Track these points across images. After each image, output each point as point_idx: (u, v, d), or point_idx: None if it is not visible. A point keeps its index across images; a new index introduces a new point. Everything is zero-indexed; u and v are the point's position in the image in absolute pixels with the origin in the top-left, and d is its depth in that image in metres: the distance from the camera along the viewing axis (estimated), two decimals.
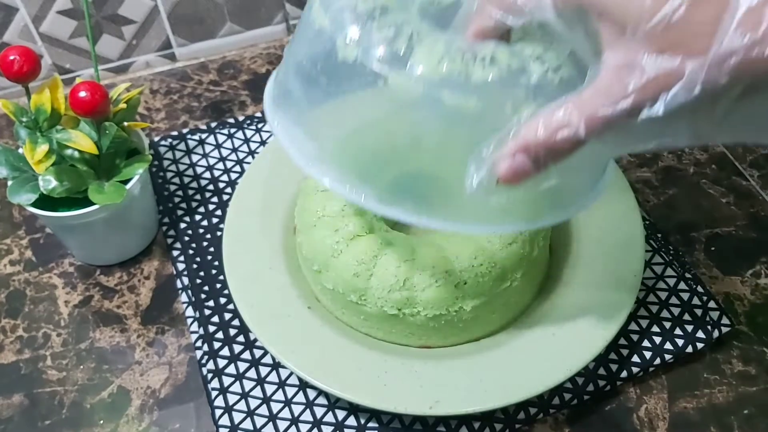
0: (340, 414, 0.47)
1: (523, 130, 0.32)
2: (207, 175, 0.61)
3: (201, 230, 0.57)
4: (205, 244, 0.56)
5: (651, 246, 0.54)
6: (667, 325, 0.50)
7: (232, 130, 0.64)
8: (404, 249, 0.46)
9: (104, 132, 0.48)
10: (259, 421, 0.47)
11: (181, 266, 0.55)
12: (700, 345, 0.49)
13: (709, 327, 0.49)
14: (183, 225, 0.57)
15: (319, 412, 0.47)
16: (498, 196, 0.34)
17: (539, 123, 0.31)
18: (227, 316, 0.51)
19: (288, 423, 0.47)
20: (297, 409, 0.47)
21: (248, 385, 0.48)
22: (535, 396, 0.45)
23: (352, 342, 0.47)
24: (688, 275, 0.52)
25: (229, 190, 0.59)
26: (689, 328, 0.49)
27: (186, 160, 0.62)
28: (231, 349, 0.50)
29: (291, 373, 0.49)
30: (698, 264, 0.55)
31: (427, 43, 0.33)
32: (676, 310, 0.50)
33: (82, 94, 0.46)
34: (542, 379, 0.44)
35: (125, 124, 0.51)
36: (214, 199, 0.59)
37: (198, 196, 0.59)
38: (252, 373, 0.49)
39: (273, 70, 0.70)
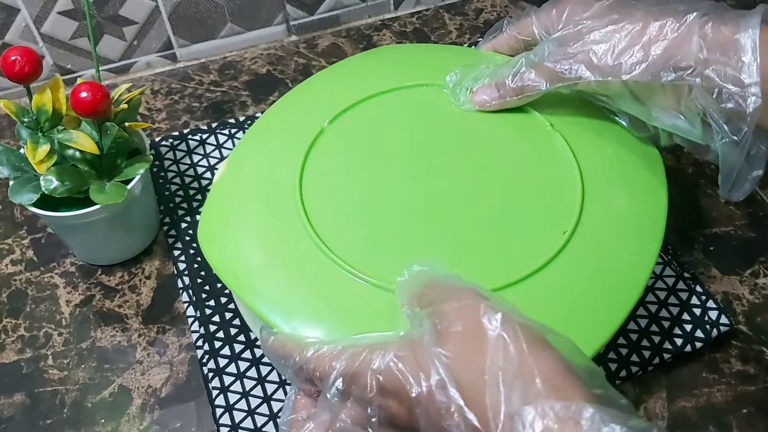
0: None
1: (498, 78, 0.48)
2: (208, 175, 0.61)
3: None
4: None
5: None
6: (666, 324, 0.50)
7: (233, 131, 0.64)
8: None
9: (105, 132, 0.48)
10: (260, 420, 0.47)
11: (182, 266, 0.55)
12: (698, 344, 0.49)
13: (707, 326, 0.50)
14: (184, 225, 0.57)
15: None
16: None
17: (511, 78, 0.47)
18: (228, 315, 0.52)
19: None
20: None
21: (249, 384, 0.48)
22: None
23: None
24: (686, 275, 0.52)
25: None
26: (688, 327, 0.50)
27: (187, 160, 0.62)
28: (232, 349, 0.50)
29: None
30: (697, 264, 0.55)
31: None
32: (675, 310, 0.51)
33: (84, 94, 0.46)
34: None
35: (126, 124, 0.51)
36: None
37: (199, 196, 0.59)
38: (252, 372, 0.49)
39: (273, 70, 0.71)
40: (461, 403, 0.30)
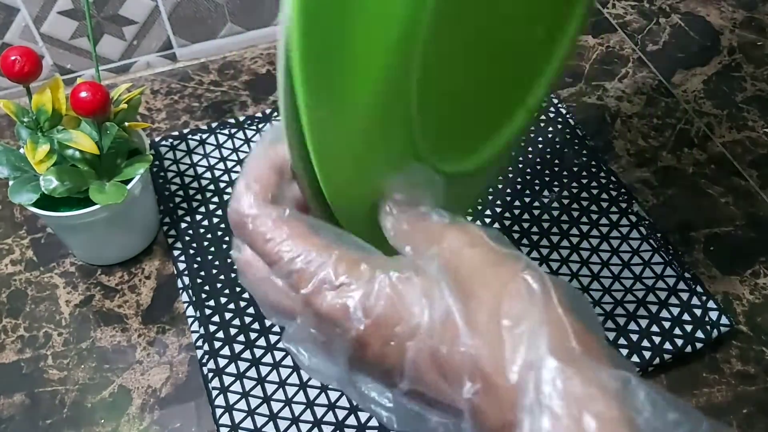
0: (341, 413, 0.47)
1: None
2: (208, 175, 0.61)
3: (202, 230, 0.57)
4: (205, 243, 0.56)
5: (650, 246, 0.54)
6: (667, 325, 0.50)
7: (233, 131, 0.64)
8: None
9: (105, 132, 0.48)
10: (260, 420, 0.47)
11: (181, 266, 0.55)
12: (699, 345, 0.49)
13: (708, 327, 0.50)
14: (184, 225, 0.57)
15: (319, 411, 0.47)
16: None
17: None
18: (228, 315, 0.51)
19: (288, 422, 0.47)
20: (297, 409, 0.47)
21: (249, 384, 0.48)
22: None
23: None
24: (687, 275, 0.52)
25: (229, 190, 0.60)
26: (688, 328, 0.50)
27: (187, 160, 0.62)
28: (231, 349, 0.50)
29: (291, 373, 0.49)
30: (697, 264, 0.55)
31: None
32: (675, 310, 0.51)
33: (83, 94, 0.46)
34: None
35: (126, 124, 0.51)
36: (215, 199, 0.59)
37: (199, 196, 0.59)
38: (252, 373, 0.49)
39: (273, 70, 0.71)
40: (470, 341, 0.24)
